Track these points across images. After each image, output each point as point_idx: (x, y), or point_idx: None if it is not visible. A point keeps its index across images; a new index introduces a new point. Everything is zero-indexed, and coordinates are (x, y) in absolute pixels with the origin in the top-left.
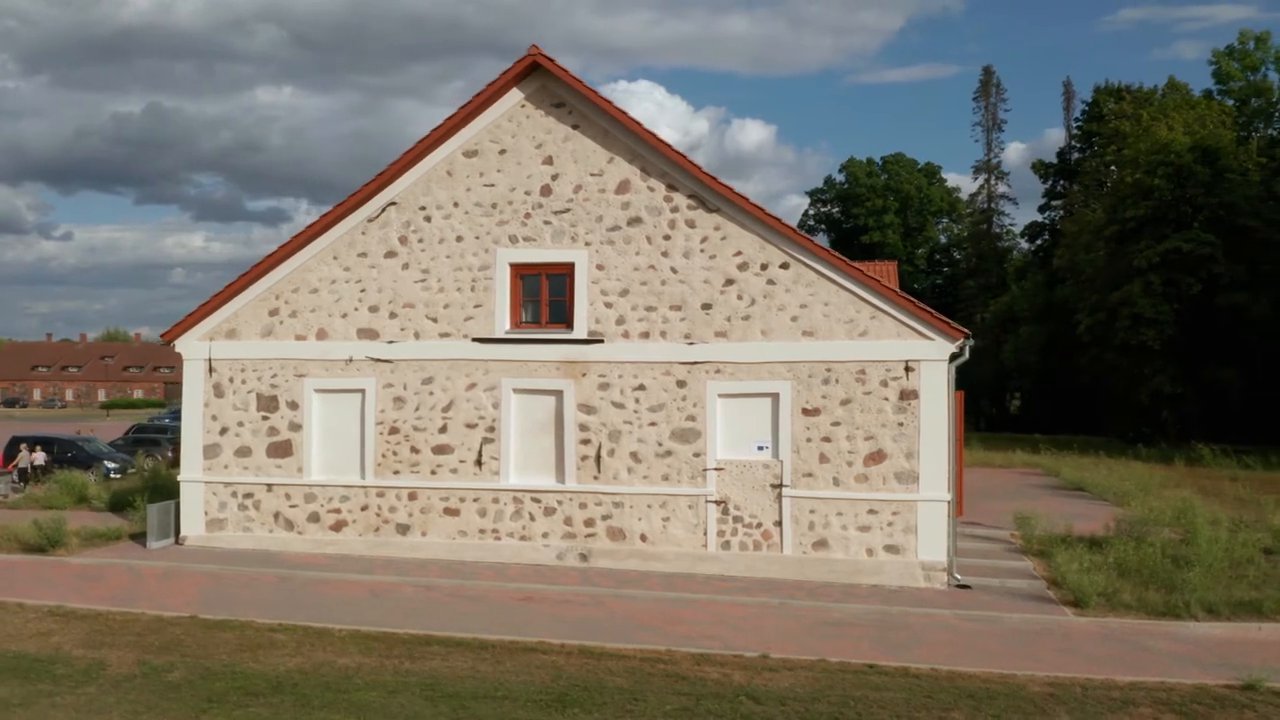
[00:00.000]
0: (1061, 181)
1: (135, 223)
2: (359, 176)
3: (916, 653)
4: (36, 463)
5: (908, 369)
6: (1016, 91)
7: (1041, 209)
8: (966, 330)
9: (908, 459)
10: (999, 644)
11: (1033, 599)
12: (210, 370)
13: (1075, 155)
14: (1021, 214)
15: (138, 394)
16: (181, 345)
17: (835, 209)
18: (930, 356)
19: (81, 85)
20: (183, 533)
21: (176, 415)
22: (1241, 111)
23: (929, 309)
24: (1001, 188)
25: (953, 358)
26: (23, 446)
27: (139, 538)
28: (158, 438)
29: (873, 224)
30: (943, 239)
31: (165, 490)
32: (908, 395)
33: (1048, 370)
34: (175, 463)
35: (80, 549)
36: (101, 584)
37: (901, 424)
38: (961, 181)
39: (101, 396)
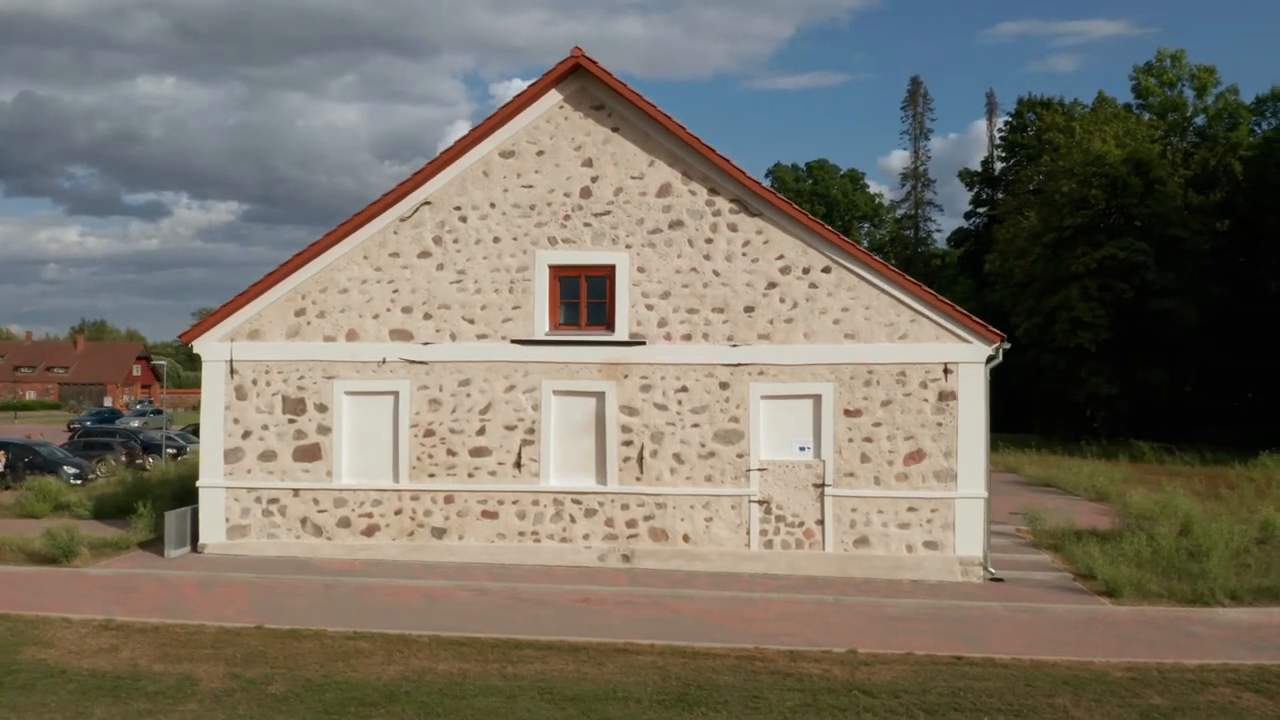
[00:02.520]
0: (986, 189)
1: (5, 216)
2: (243, 170)
3: (990, 644)
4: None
5: (946, 371)
6: (897, 101)
7: (967, 216)
8: (1003, 334)
9: (946, 458)
10: (1058, 632)
11: (1065, 590)
12: (232, 372)
13: (999, 164)
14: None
15: (30, 395)
16: (200, 346)
17: None
18: (968, 359)
19: None
20: (202, 540)
21: (100, 418)
22: (1158, 125)
23: (967, 313)
24: (929, 194)
25: (988, 360)
26: None
27: (148, 545)
28: (109, 441)
29: None
30: (864, 244)
31: (148, 495)
32: (946, 396)
33: None
34: (130, 465)
35: (93, 560)
36: (138, 595)
37: (940, 424)
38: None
39: None
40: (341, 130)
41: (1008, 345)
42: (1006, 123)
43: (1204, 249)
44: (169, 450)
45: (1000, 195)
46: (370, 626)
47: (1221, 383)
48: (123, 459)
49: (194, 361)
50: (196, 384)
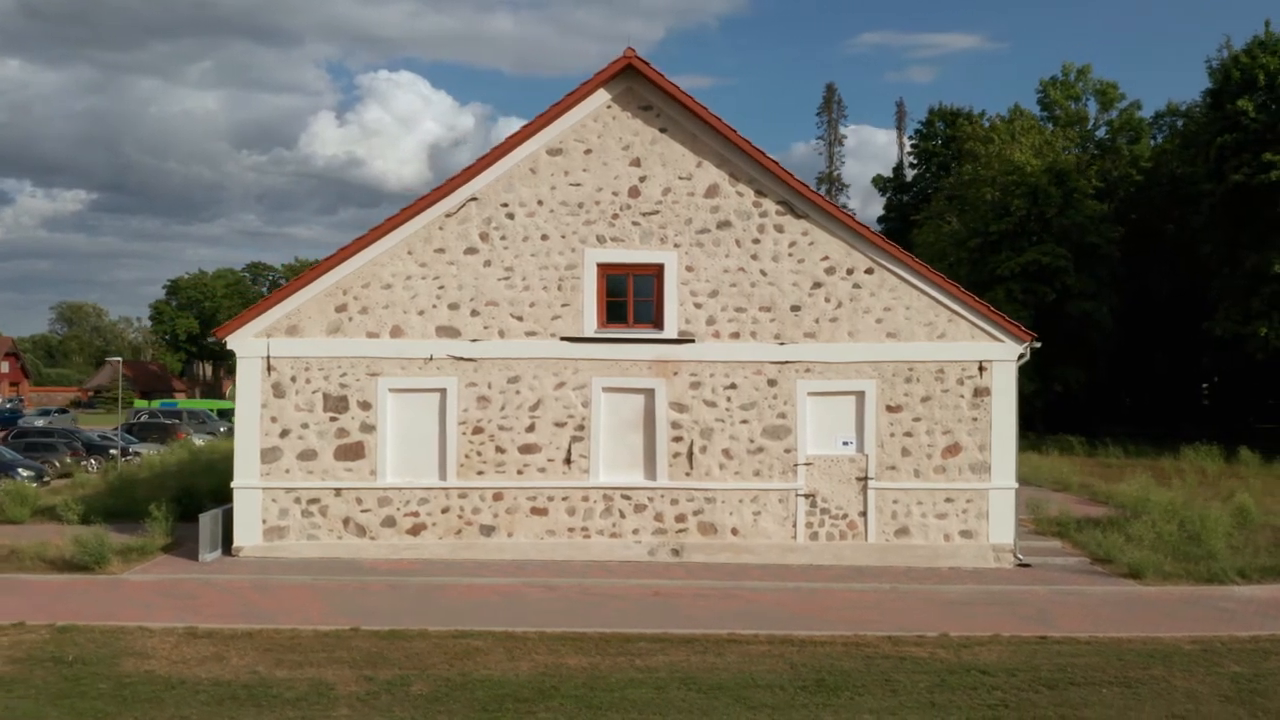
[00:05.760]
0: (898, 195)
1: None
2: (92, 157)
3: (1060, 623)
4: None
5: (981, 368)
6: (769, 105)
7: (881, 220)
8: (1034, 333)
9: (980, 451)
10: (1109, 611)
11: (1090, 574)
12: (269, 369)
13: (911, 171)
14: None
15: None
16: (235, 342)
17: None
18: (1001, 357)
19: None
20: (236, 543)
21: (2, 417)
22: (1072, 137)
23: (1000, 313)
24: (843, 198)
25: (1019, 358)
26: None
27: (171, 549)
28: (52, 441)
29: None
30: None
31: (130, 495)
32: (981, 393)
33: None
34: (76, 466)
35: (125, 566)
36: (201, 601)
37: (975, 419)
38: None
39: None
40: (198, 118)
41: (1037, 344)
42: (918, 131)
43: (1115, 255)
44: (112, 451)
45: (906, 199)
46: (468, 624)
47: (1118, 382)
48: (68, 459)
49: (53, 358)
50: (59, 381)
